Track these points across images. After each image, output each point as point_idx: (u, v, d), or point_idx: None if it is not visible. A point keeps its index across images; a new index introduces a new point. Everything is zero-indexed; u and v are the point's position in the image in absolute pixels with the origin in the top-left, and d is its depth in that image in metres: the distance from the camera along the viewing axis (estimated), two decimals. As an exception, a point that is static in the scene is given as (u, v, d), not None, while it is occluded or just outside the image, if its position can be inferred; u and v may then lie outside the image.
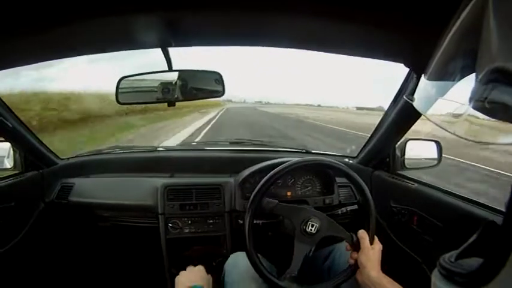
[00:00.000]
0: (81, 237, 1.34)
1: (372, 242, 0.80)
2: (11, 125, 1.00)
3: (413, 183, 1.09)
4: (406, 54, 0.74)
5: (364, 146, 1.26)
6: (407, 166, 1.16)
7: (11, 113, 1.01)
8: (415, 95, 0.37)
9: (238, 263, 0.87)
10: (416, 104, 0.36)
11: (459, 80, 0.28)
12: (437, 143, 1.15)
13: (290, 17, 0.60)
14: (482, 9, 0.24)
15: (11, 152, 1.13)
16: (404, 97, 0.97)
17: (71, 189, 1.18)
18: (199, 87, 0.81)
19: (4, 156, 1.16)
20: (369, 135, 1.21)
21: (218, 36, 0.76)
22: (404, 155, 1.16)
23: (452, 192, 0.94)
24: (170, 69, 0.79)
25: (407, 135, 1.12)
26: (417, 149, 1.18)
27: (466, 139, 0.26)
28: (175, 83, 0.79)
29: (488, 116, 0.23)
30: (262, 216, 0.92)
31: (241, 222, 0.97)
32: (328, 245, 0.96)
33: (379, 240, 0.82)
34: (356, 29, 0.61)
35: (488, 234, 0.29)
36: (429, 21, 0.54)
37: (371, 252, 0.77)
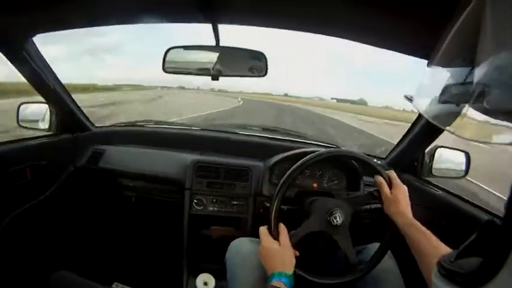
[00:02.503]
0: (106, 205, 1.38)
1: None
2: (52, 86, 1.03)
3: (438, 190, 1.07)
4: (430, 49, 0.73)
5: (394, 147, 1.24)
6: (434, 173, 1.15)
7: (54, 74, 1.04)
8: (414, 94, 0.36)
9: (241, 248, 0.87)
10: (415, 103, 0.35)
11: (460, 77, 0.28)
12: (467, 154, 1.13)
13: (340, 5, 0.60)
14: (481, 5, 0.23)
15: (47, 114, 1.16)
16: (404, 96, 0.96)
17: (102, 156, 1.20)
18: (244, 65, 0.82)
19: (39, 118, 1.19)
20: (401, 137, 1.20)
21: (266, 17, 0.77)
22: (432, 161, 1.15)
23: (479, 206, 0.91)
24: (217, 44, 0.80)
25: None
26: (446, 158, 1.17)
27: (466, 139, 0.26)
28: (221, 57, 0.80)
29: (488, 115, 0.23)
30: (288, 202, 0.92)
31: (267, 205, 0.98)
32: (359, 245, 0.95)
33: (401, 246, 0.81)
34: (384, 20, 0.61)
35: (487, 234, 0.29)
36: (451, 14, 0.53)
37: (403, 190, 0.81)
